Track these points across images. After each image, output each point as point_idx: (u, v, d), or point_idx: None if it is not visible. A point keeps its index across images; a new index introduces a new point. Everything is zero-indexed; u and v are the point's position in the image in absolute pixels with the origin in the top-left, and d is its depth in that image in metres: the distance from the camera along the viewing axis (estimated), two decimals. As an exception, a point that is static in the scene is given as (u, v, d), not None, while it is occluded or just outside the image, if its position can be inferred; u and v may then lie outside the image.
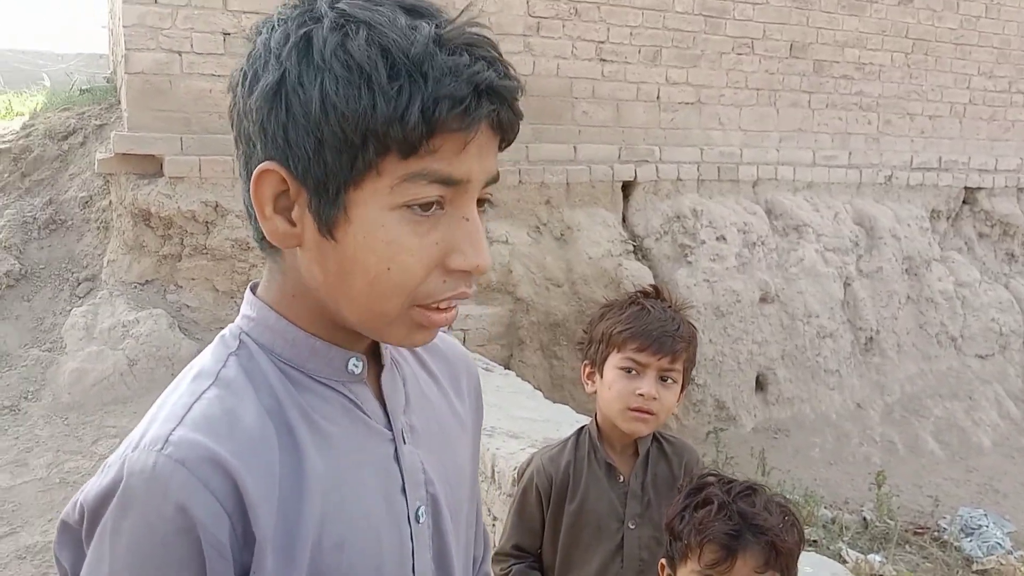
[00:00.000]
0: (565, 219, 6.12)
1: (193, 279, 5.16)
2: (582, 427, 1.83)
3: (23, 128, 6.81)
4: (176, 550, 0.68)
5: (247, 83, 0.74)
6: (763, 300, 6.62)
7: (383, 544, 0.79)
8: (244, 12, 5.10)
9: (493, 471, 2.88)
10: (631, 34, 6.38)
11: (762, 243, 6.74)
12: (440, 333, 1.05)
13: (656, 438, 1.77)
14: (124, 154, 5.09)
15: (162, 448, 0.69)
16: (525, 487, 1.80)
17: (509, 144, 0.79)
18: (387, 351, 0.87)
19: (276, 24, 0.74)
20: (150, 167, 5.14)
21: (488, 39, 0.73)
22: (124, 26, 4.97)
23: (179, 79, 5.04)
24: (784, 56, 7.01)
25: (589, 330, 1.78)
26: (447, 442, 0.91)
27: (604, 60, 6.31)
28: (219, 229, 5.12)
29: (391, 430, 0.83)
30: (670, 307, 1.73)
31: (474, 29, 0.73)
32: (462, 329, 5.30)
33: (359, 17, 0.71)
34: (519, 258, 5.77)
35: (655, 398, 1.65)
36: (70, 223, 5.93)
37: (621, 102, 6.43)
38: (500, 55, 0.74)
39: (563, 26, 6.11)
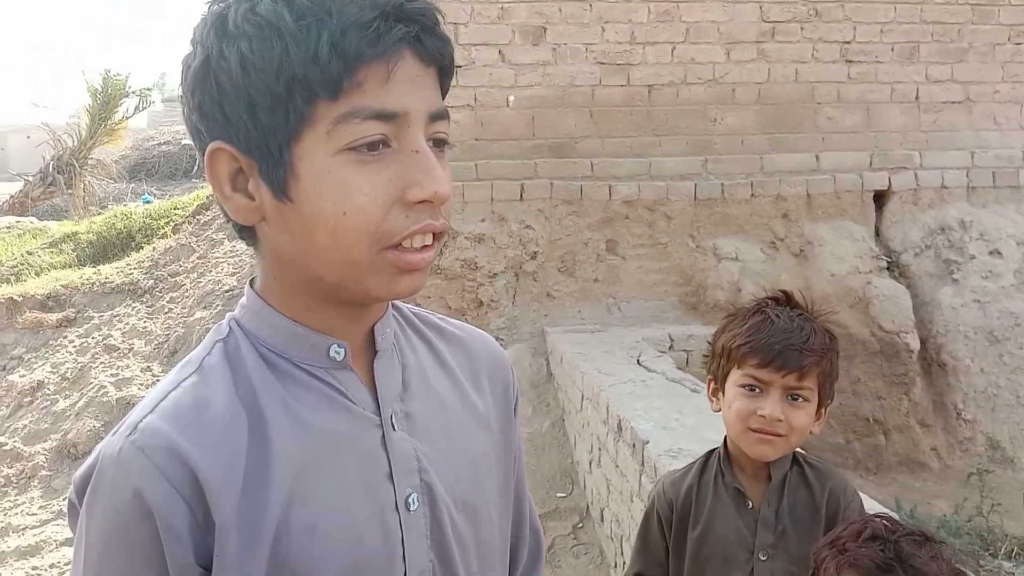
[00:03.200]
0: (805, 233, 5.70)
1: (429, 297, 5.48)
2: (712, 449, 1.68)
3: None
4: (136, 533, 0.71)
5: (184, 81, 0.77)
6: (1051, 324, 5.69)
7: (363, 530, 0.77)
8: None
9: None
10: (882, 31, 5.83)
11: (1050, 258, 5.82)
12: (474, 329, 1.01)
13: (797, 462, 1.59)
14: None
15: (130, 435, 0.72)
16: (647, 512, 1.70)
17: (449, 76, 0.79)
18: (384, 336, 0.85)
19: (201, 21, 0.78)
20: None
21: None
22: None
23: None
24: (1079, 41, 6.03)
25: (713, 342, 1.64)
26: (456, 433, 0.88)
27: (850, 61, 5.83)
28: (450, 251, 5.41)
29: (380, 416, 0.81)
30: (801, 315, 1.55)
31: None
32: (685, 350, 5.11)
33: None
34: (750, 276, 5.46)
35: (780, 419, 1.48)
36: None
37: (872, 105, 5.89)
38: None
39: (801, 29, 5.73)
